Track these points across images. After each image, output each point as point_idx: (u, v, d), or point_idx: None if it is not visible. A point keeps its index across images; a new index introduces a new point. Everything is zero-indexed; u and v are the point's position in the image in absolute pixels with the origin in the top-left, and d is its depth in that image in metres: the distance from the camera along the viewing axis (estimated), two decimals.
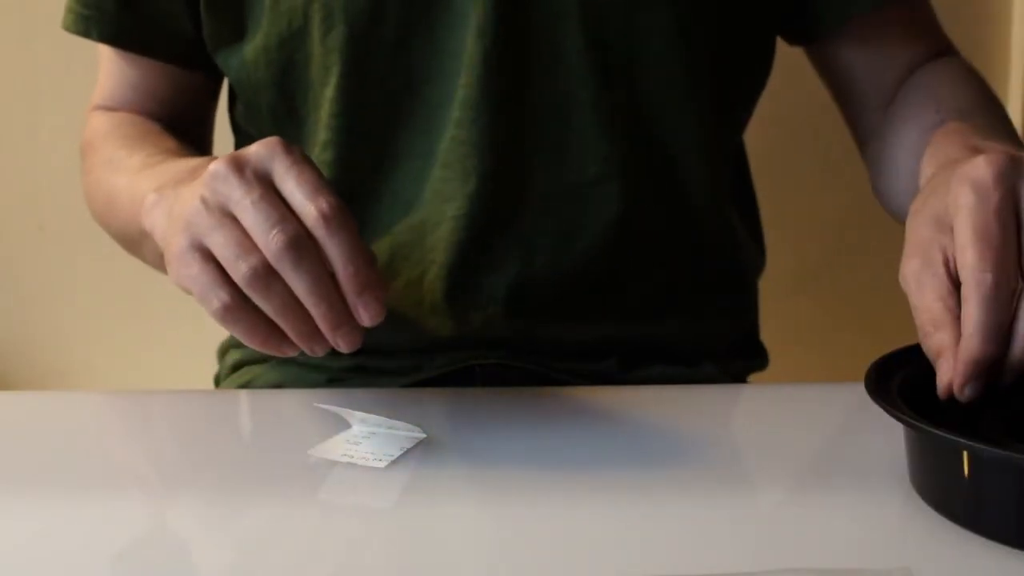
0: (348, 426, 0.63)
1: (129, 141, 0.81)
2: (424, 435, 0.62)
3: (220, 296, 0.58)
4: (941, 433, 0.50)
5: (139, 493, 0.59)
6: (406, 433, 0.62)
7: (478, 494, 0.57)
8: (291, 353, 0.59)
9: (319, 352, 0.58)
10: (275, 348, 0.59)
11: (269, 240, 0.57)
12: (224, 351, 0.89)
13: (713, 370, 0.82)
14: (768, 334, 0.90)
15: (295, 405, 0.70)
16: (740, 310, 0.87)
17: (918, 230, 0.59)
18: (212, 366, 0.91)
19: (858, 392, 0.55)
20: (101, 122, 0.85)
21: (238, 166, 0.58)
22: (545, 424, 0.66)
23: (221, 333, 0.90)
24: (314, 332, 0.58)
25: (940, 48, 0.85)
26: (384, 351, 0.79)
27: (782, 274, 1.03)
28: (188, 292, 0.59)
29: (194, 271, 0.58)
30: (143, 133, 0.82)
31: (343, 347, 0.58)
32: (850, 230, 1.27)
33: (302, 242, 0.57)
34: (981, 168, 0.56)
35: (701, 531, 0.52)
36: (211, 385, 0.91)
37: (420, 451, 0.61)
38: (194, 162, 0.70)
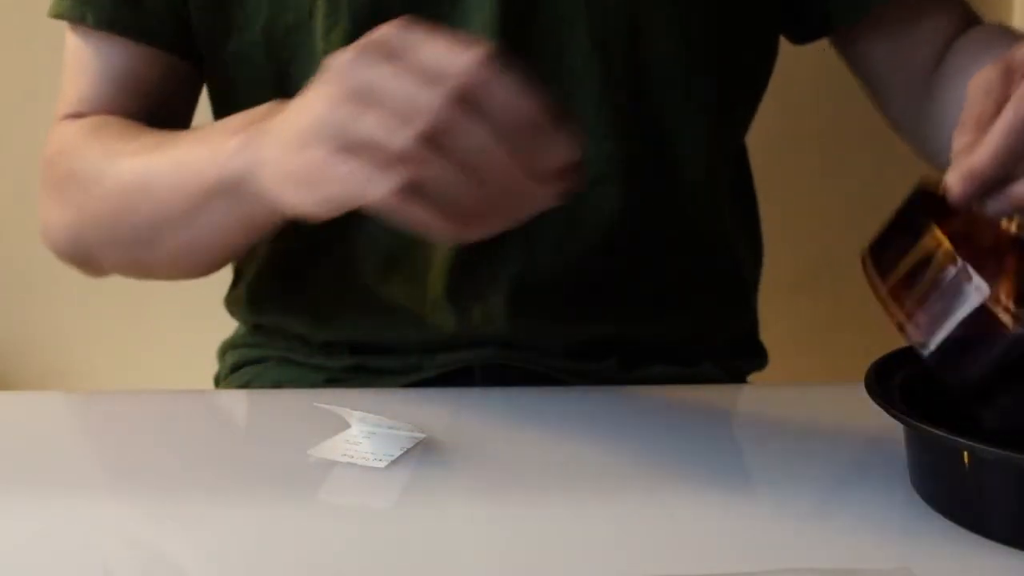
0: (348, 426, 0.63)
1: (122, 132, 0.76)
2: (424, 435, 0.62)
3: (383, 180, 0.52)
4: (941, 433, 0.50)
5: (139, 493, 0.59)
6: (406, 433, 0.62)
7: (478, 494, 0.57)
8: (478, 234, 0.54)
9: (522, 215, 0.54)
10: (463, 225, 0.54)
11: (433, 98, 0.51)
12: (224, 351, 0.89)
13: (713, 370, 0.82)
14: (768, 334, 0.90)
15: (295, 405, 0.70)
16: (740, 310, 0.87)
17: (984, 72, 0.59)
18: (212, 366, 0.91)
19: (858, 392, 0.55)
20: (71, 129, 0.79)
21: (362, 53, 0.54)
22: (545, 424, 0.66)
23: (221, 333, 0.91)
24: (511, 188, 0.53)
25: (972, 19, 0.83)
26: (384, 350, 0.79)
27: (782, 274, 1.03)
28: (333, 206, 0.55)
29: (344, 169, 0.53)
30: (128, 125, 0.78)
31: (548, 196, 0.54)
32: (850, 230, 1.27)
33: (470, 91, 0.51)
34: None
35: (701, 531, 0.52)
36: (211, 385, 0.91)
37: (420, 451, 0.61)
38: (256, 110, 0.65)
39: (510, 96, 0.52)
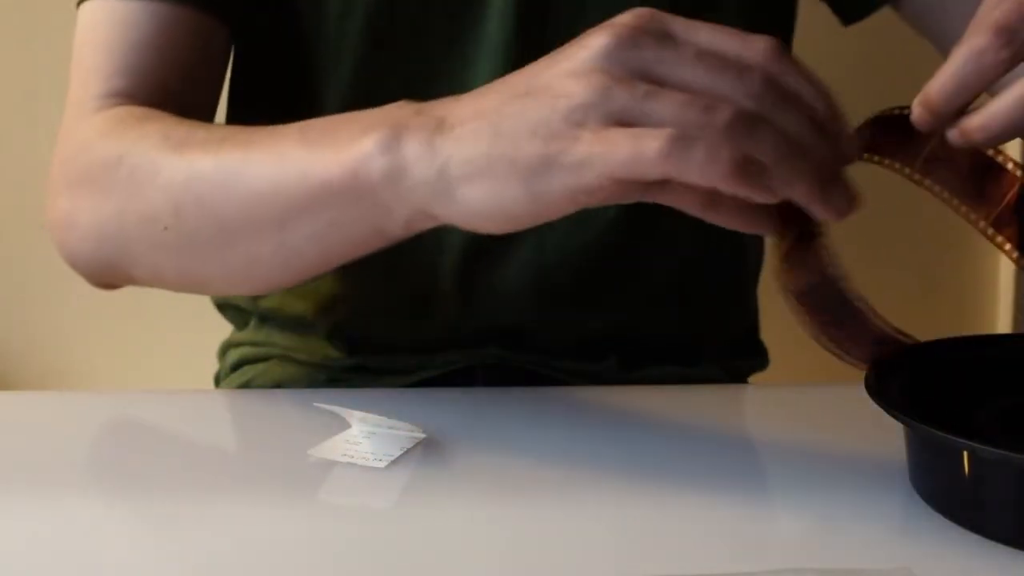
0: (348, 426, 0.63)
1: (178, 121, 0.67)
2: (424, 435, 0.62)
3: (652, 136, 0.47)
4: (941, 433, 0.50)
5: (139, 493, 0.59)
6: (406, 433, 0.62)
7: (478, 494, 0.57)
8: (771, 194, 0.49)
9: (846, 210, 0.50)
10: (746, 176, 0.48)
11: (743, 83, 0.47)
12: (224, 350, 0.89)
13: (713, 370, 0.82)
14: (768, 334, 0.90)
15: (295, 405, 0.70)
16: (741, 309, 0.87)
17: None
18: (212, 366, 0.91)
19: (858, 392, 0.55)
20: (101, 118, 0.69)
21: (636, 32, 0.49)
22: (545, 424, 0.66)
23: (221, 333, 0.91)
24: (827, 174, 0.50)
25: None
26: (385, 349, 0.79)
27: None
28: (585, 190, 0.50)
29: (613, 137, 0.48)
30: (180, 118, 0.68)
31: (843, 208, 0.50)
32: (851, 229, 1.27)
33: (775, 81, 0.48)
34: None
35: (701, 531, 0.52)
36: (211, 385, 0.91)
37: (420, 451, 0.61)
38: (393, 105, 0.57)
39: (811, 87, 0.49)
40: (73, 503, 0.57)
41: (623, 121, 0.48)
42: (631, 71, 0.49)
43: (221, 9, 0.75)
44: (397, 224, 0.57)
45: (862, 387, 0.55)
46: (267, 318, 0.85)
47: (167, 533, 0.54)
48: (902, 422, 0.52)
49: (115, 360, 1.43)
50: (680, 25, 0.50)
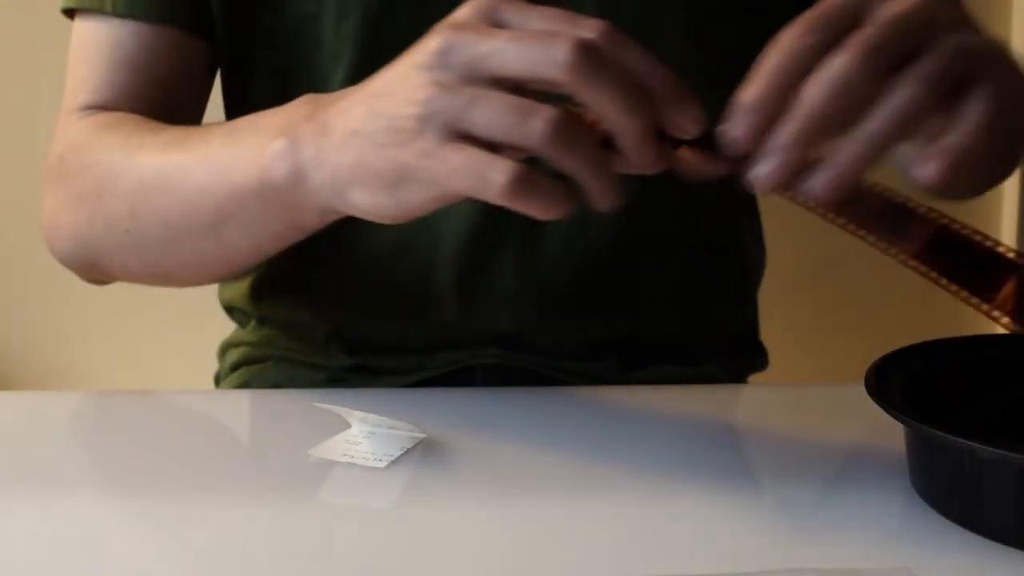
0: (348, 426, 0.63)
1: (142, 127, 0.72)
2: (424, 435, 0.62)
3: (502, 169, 0.48)
4: (941, 433, 0.50)
5: (139, 493, 0.59)
6: (406, 433, 0.62)
7: (478, 494, 0.57)
8: (607, 205, 0.51)
9: (613, 202, 0.51)
10: (565, 208, 0.50)
11: (555, 57, 0.47)
12: (224, 351, 0.89)
13: (713, 370, 0.82)
14: (768, 334, 0.90)
15: (295, 405, 0.70)
16: (741, 309, 0.87)
17: None
18: (212, 366, 0.91)
19: (858, 392, 0.55)
20: (83, 124, 0.75)
21: (463, 26, 0.50)
22: (545, 424, 0.66)
23: (221, 333, 0.91)
24: (615, 182, 0.51)
25: None
26: (385, 350, 0.79)
27: (782, 274, 1.03)
28: (443, 200, 0.52)
29: (456, 160, 0.49)
30: (149, 122, 0.73)
31: (651, 166, 0.50)
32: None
33: (593, 45, 0.48)
34: None
35: (701, 531, 0.52)
36: (211, 385, 0.91)
37: (420, 451, 0.61)
38: (297, 101, 0.60)
39: (643, 62, 0.49)
40: (73, 503, 0.57)
41: (458, 131, 0.49)
42: (458, 74, 0.50)
43: (201, 29, 0.77)
44: (311, 218, 0.60)
45: (862, 387, 0.55)
46: (266, 320, 0.85)
47: (167, 533, 0.54)
48: (902, 422, 0.52)
49: (115, 360, 1.42)
50: (516, 12, 0.50)
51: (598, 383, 0.77)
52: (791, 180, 0.49)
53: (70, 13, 0.79)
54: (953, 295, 0.52)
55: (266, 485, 0.59)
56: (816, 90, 0.48)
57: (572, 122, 0.48)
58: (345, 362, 0.80)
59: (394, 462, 0.59)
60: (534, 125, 0.48)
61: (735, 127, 0.49)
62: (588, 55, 0.48)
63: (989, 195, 1.44)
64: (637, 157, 0.50)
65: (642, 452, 0.61)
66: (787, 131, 0.48)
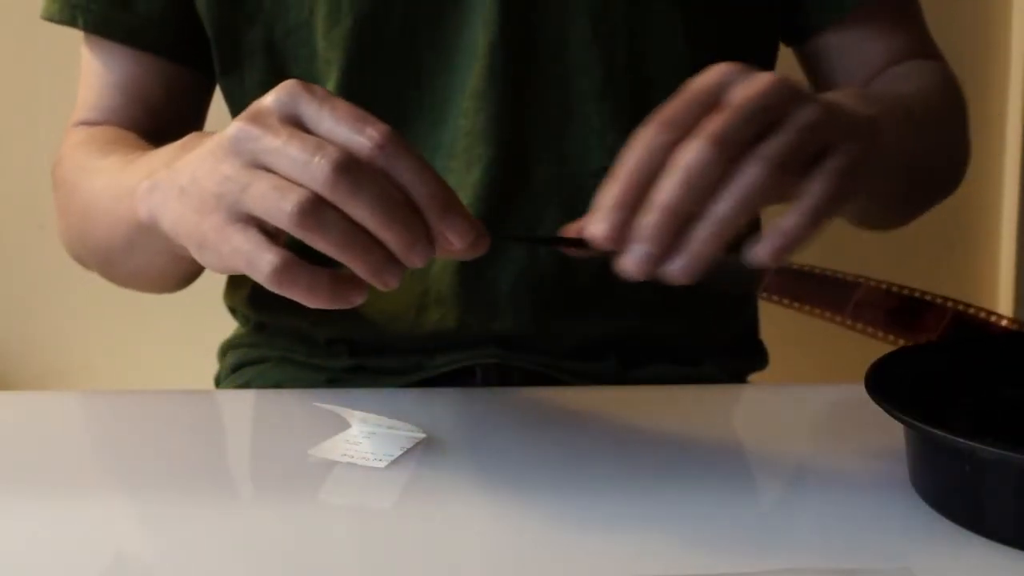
0: (348, 426, 0.63)
1: (103, 146, 0.77)
2: (424, 435, 0.62)
3: (268, 258, 0.51)
4: (941, 433, 0.50)
5: (139, 493, 0.59)
6: (406, 433, 0.62)
7: (478, 494, 0.57)
8: (359, 300, 0.53)
9: (394, 285, 0.53)
10: (343, 297, 0.53)
11: (314, 170, 0.50)
12: (224, 351, 0.89)
13: (713, 370, 0.82)
14: (768, 334, 0.90)
15: (295, 405, 0.70)
16: (740, 308, 0.87)
17: None
18: (212, 366, 0.91)
19: (858, 392, 0.55)
20: (74, 138, 0.81)
21: (258, 118, 0.53)
22: (545, 424, 0.66)
23: (221, 333, 0.91)
24: (384, 261, 0.52)
25: (922, 51, 0.85)
26: (385, 350, 0.79)
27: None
28: (235, 271, 0.54)
29: (236, 242, 0.52)
30: (119, 138, 0.78)
31: (417, 262, 0.52)
32: (851, 229, 1.27)
33: (355, 164, 0.50)
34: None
35: (701, 531, 0.52)
36: (211, 385, 0.91)
37: (420, 451, 0.61)
38: (180, 141, 0.64)
39: (412, 176, 0.51)
40: (73, 503, 0.57)
41: (240, 213, 0.52)
42: (245, 161, 0.52)
43: (182, 56, 0.81)
44: (183, 251, 0.59)
45: (862, 387, 0.55)
46: (266, 325, 0.85)
47: (167, 533, 0.54)
48: (902, 422, 0.52)
49: (115, 360, 1.43)
50: (311, 106, 0.52)
51: (598, 383, 0.77)
52: (657, 266, 0.53)
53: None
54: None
55: (266, 485, 0.59)
56: (668, 185, 0.51)
57: (322, 206, 0.50)
58: (345, 363, 0.80)
59: (394, 462, 0.59)
60: (283, 206, 0.50)
61: (597, 226, 0.53)
62: (344, 175, 0.50)
63: (989, 196, 1.44)
64: (407, 261, 0.52)
65: (642, 452, 0.61)
66: (646, 226, 0.52)
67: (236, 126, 0.53)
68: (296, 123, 0.52)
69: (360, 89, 0.76)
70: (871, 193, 0.66)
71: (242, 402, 0.74)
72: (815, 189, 0.53)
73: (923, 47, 0.85)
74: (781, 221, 0.53)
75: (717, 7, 0.78)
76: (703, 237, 0.52)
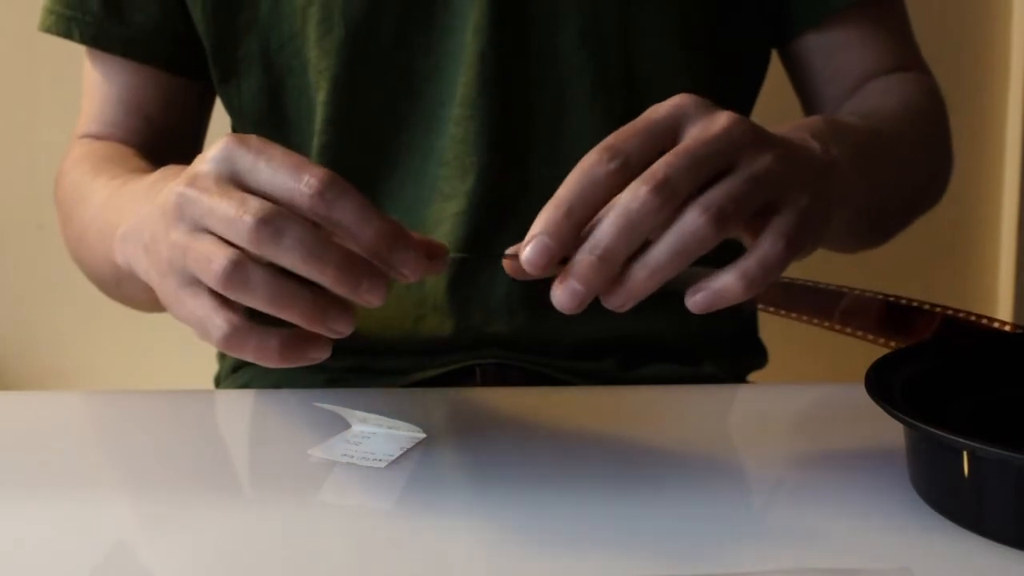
0: (348, 426, 0.63)
1: (96, 164, 0.77)
2: (424, 435, 0.62)
3: (217, 323, 0.52)
4: (941, 433, 0.50)
5: (139, 493, 0.59)
6: (406, 433, 0.62)
7: (478, 494, 0.57)
8: (318, 357, 0.54)
9: (345, 330, 0.53)
10: (298, 356, 0.53)
11: (239, 226, 0.50)
12: (224, 352, 0.89)
13: (713, 369, 0.82)
14: (768, 334, 0.90)
15: (295, 405, 0.70)
16: (739, 307, 0.87)
17: None
18: (212, 366, 0.91)
19: (858, 392, 0.55)
20: (75, 153, 0.81)
21: (194, 182, 0.53)
22: (545, 424, 0.66)
23: None
24: (327, 308, 0.52)
25: (904, 63, 0.85)
26: (384, 352, 0.79)
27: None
28: (195, 332, 0.55)
29: (189, 307, 0.54)
30: (114, 156, 0.78)
31: (374, 301, 0.52)
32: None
33: (276, 214, 0.50)
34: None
35: (701, 531, 0.52)
36: (211, 385, 0.91)
37: (420, 451, 0.61)
38: (151, 177, 0.65)
39: (353, 220, 0.51)
40: (73, 503, 0.57)
41: (189, 277, 0.53)
42: (188, 227, 0.53)
43: (183, 68, 0.81)
44: None
45: (862, 387, 0.55)
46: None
47: (167, 533, 0.54)
48: (902, 422, 0.52)
49: (115, 360, 1.42)
50: (246, 160, 0.52)
51: (598, 383, 0.77)
52: (588, 301, 0.53)
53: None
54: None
55: (266, 485, 0.59)
56: (607, 226, 0.51)
57: (246, 264, 0.51)
58: (345, 363, 0.80)
59: (394, 462, 0.59)
60: (212, 268, 0.51)
61: (530, 252, 0.52)
62: (265, 227, 0.50)
63: (988, 196, 1.44)
64: (355, 298, 0.52)
65: (642, 452, 0.61)
66: (582, 265, 0.51)
67: (176, 191, 0.53)
68: (235, 180, 0.52)
69: (352, 98, 0.76)
70: (832, 234, 0.65)
71: (242, 402, 0.74)
72: (759, 252, 0.53)
73: (907, 56, 0.85)
74: (717, 279, 0.53)
75: (709, 10, 0.78)
76: (638, 279, 0.52)
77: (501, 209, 0.76)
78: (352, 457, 0.59)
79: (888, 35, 0.84)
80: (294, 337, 0.53)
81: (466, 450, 0.62)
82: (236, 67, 0.79)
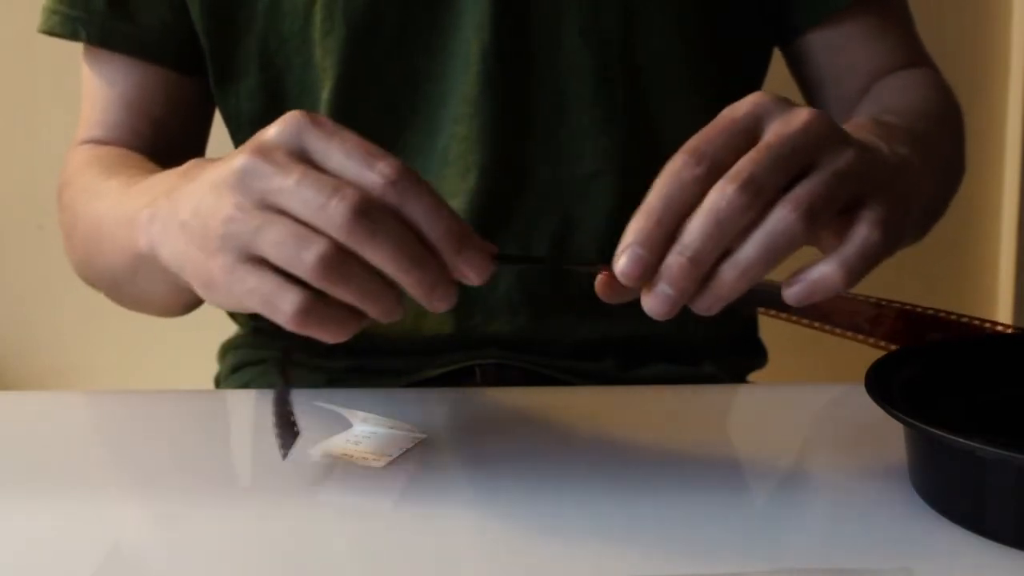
0: (348, 426, 0.63)
1: (108, 167, 0.75)
2: (424, 435, 0.62)
3: (290, 300, 0.50)
4: (942, 433, 0.50)
5: (139, 493, 0.59)
6: (406, 433, 0.62)
7: (478, 494, 0.57)
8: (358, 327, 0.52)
9: (397, 317, 0.52)
10: (355, 327, 0.52)
11: (331, 215, 0.48)
12: (224, 352, 0.89)
13: (713, 369, 0.82)
14: (768, 334, 0.90)
15: (295, 405, 0.70)
16: (740, 309, 0.87)
17: None
18: (212, 366, 0.91)
19: (858, 392, 0.55)
20: (77, 159, 0.79)
21: (264, 152, 0.51)
22: (545, 424, 0.66)
23: (221, 333, 0.91)
24: (398, 302, 0.51)
25: (911, 60, 0.85)
26: (384, 352, 0.79)
27: (781, 272, 1.03)
28: (248, 311, 0.53)
29: (251, 283, 0.51)
30: (124, 159, 0.77)
31: (442, 308, 0.51)
32: None
33: (371, 205, 0.49)
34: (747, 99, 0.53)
35: (701, 531, 0.52)
36: (211, 385, 0.91)
37: (420, 451, 0.61)
38: (181, 168, 0.62)
39: (425, 213, 0.50)
40: (73, 503, 0.57)
41: (251, 254, 0.51)
42: (254, 200, 0.51)
43: (190, 67, 0.80)
44: (184, 283, 0.58)
45: (862, 387, 0.55)
46: (264, 330, 0.85)
47: (167, 532, 0.54)
48: (902, 422, 0.52)
49: (115, 360, 1.42)
50: (319, 140, 0.51)
51: (598, 383, 0.77)
52: (679, 306, 0.51)
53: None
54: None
55: (266, 485, 0.59)
56: (695, 228, 0.50)
57: (344, 257, 0.49)
58: (345, 363, 0.80)
59: (394, 462, 0.59)
60: (304, 259, 0.49)
61: (624, 264, 0.51)
62: (362, 219, 0.49)
63: (988, 197, 1.44)
64: (426, 303, 0.51)
65: (641, 452, 0.61)
66: (672, 269, 0.50)
67: (242, 160, 0.51)
68: (303, 157, 0.51)
69: (354, 97, 0.76)
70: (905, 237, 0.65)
71: (242, 402, 0.74)
72: (856, 239, 0.51)
73: (913, 52, 0.85)
74: (814, 269, 0.52)
75: (709, 9, 0.78)
76: (727, 280, 0.51)
77: (503, 207, 0.76)
78: (352, 457, 0.59)
79: (892, 32, 0.84)
80: (356, 315, 0.52)
81: (466, 450, 0.62)
82: (234, 66, 0.79)
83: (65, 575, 0.50)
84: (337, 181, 0.49)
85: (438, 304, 0.51)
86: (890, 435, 0.57)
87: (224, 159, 0.53)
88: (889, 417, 0.52)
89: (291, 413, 0.58)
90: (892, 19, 0.84)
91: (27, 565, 0.50)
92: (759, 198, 0.50)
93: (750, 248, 0.50)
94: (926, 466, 0.54)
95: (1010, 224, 1.41)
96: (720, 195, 0.49)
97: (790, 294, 0.52)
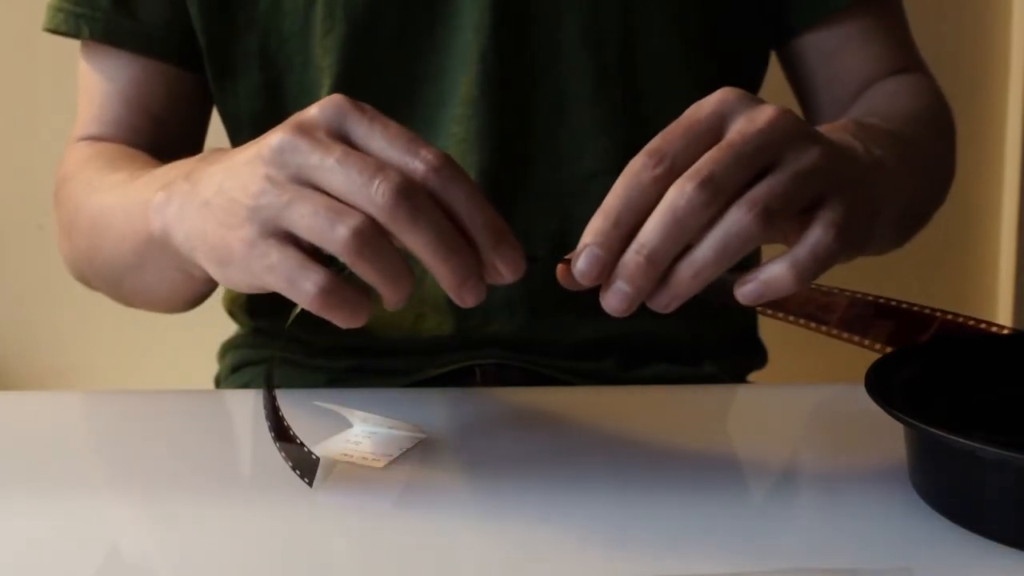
0: (348, 426, 0.63)
1: (111, 161, 0.76)
2: (424, 435, 0.62)
3: (313, 278, 0.50)
4: (942, 433, 0.50)
5: (139, 493, 0.59)
6: (406, 433, 0.62)
7: (478, 494, 0.57)
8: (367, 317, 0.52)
9: (402, 305, 0.52)
10: (366, 316, 0.52)
11: (373, 194, 0.48)
12: (224, 352, 0.89)
13: (713, 369, 0.82)
14: (768, 334, 0.90)
15: (295, 405, 0.69)
16: (740, 308, 0.87)
17: None
18: (212, 366, 0.91)
19: (858, 392, 0.55)
20: (76, 155, 0.79)
21: (305, 130, 0.50)
22: (545, 424, 0.66)
23: (221, 333, 0.91)
24: (413, 289, 0.51)
25: (905, 65, 0.84)
26: (384, 352, 0.79)
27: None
28: (264, 289, 0.52)
29: (273, 258, 0.50)
30: (127, 155, 0.77)
31: (470, 302, 0.51)
32: None
33: (415, 189, 0.48)
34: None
35: (701, 531, 0.52)
36: (211, 385, 0.91)
37: (420, 451, 0.61)
38: (198, 156, 0.62)
39: (466, 203, 0.50)
40: (73, 503, 0.57)
41: (279, 229, 0.50)
42: (288, 174, 0.50)
43: (191, 62, 0.80)
44: (195, 269, 0.58)
45: (862, 387, 0.55)
46: (263, 330, 0.85)
47: (167, 533, 0.54)
48: (902, 422, 0.52)
49: (115, 360, 1.42)
50: (361, 124, 0.50)
51: (598, 383, 0.77)
52: (637, 303, 0.52)
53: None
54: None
55: (266, 485, 0.59)
56: (653, 226, 0.50)
57: (379, 234, 0.49)
58: (345, 363, 0.80)
59: (394, 462, 0.59)
60: (338, 231, 0.49)
61: (582, 264, 0.51)
62: (405, 201, 0.48)
63: (988, 196, 1.44)
64: (455, 294, 0.51)
65: (642, 452, 0.61)
66: (629, 267, 0.51)
67: (280, 136, 0.50)
68: (343, 140, 0.50)
69: (353, 96, 0.76)
70: (878, 233, 0.64)
71: (242, 402, 0.74)
72: (809, 241, 0.51)
73: (908, 58, 0.85)
74: (766, 269, 0.52)
75: (709, 10, 0.78)
76: (684, 278, 0.51)
77: (502, 208, 0.76)
78: (352, 457, 0.59)
79: (887, 37, 0.84)
80: (366, 293, 0.52)
81: (466, 450, 0.62)
82: (233, 65, 0.79)
83: (65, 575, 0.50)
84: (380, 162, 0.49)
85: (467, 297, 0.51)
86: (890, 435, 0.57)
87: (256, 140, 0.53)
88: (889, 417, 0.52)
89: (288, 428, 0.58)
90: (888, 24, 0.84)
91: (27, 565, 0.50)
92: (718, 196, 0.50)
93: (705, 248, 0.50)
94: (926, 466, 0.54)
95: (1010, 224, 1.41)
96: (679, 193, 0.50)
97: (742, 293, 0.53)
